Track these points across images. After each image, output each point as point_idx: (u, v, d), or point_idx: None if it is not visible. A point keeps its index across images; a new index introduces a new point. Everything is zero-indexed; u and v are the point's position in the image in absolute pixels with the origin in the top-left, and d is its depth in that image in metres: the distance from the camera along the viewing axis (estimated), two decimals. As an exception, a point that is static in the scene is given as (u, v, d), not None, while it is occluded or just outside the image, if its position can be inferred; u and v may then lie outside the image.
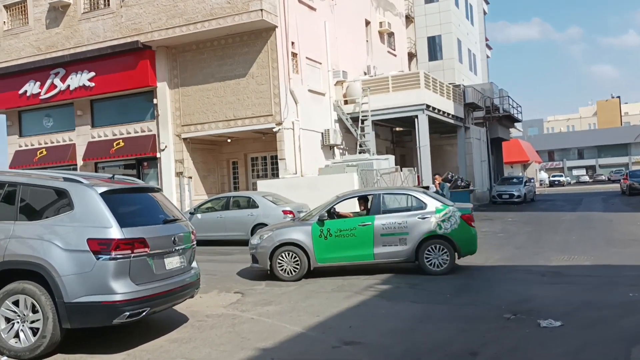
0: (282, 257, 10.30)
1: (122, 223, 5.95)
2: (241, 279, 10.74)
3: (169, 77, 22.24)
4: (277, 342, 6.35)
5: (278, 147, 20.74)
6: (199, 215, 16.63)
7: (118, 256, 5.82)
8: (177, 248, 6.58)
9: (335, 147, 24.03)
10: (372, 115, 23.95)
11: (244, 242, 16.03)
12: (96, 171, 24.01)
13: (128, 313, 5.83)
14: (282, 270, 10.26)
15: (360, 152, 23.45)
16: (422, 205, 10.32)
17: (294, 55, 21.71)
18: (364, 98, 24.03)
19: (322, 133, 23.13)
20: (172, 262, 6.54)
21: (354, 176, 17.62)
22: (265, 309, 8.08)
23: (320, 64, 23.74)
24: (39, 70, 23.67)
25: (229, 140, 23.70)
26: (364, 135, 23.99)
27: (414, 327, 6.81)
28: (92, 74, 22.72)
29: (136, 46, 21.51)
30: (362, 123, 24.01)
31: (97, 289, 5.76)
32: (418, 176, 23.22)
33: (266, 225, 15.36)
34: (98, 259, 5.76)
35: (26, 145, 25.25)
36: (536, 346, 5.84)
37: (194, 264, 7.21)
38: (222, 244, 16.54)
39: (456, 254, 10.17)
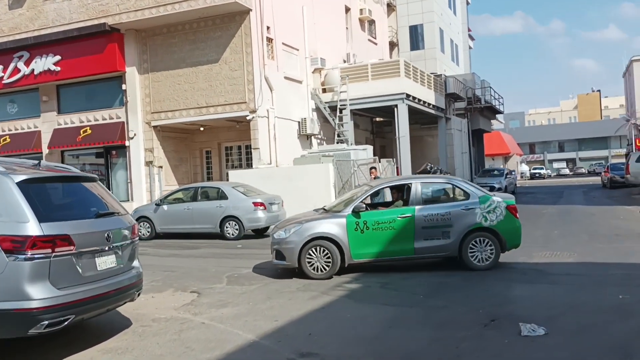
0: (312, 253, 9.20)
1: (42, 217, 5.12)
2: (203, 276, 9.93)
3: (139, 62, 21.23)
4: (224, 353, 5.57)
5: (252, 136, 19.89)
6: (165, 207, 15.76)
7: (35, 256, 4.99)
8: (112, 246, 5.77)
9: (312, 137, 23.24)
10: (350, 105, 23.18)
11: (212, 235, 15.27)
12: (62, 160, 22.99)
13: (46, 322, 5.00)
14: (311, 267, 9.17)
15: (338, 142, 22.67)
16: (465, 195, 9.49)
17: (270, 40, 20.82)
18: (342, 86, 23.24)
19: (299, 122, 22.30)
20: (106, 262, 5.73)
21: (329, 167, 16.87)
22: (220, 311, 7.30)
23: (298, 50, 22.87)
24: (2, 53, 22.48)
25: (201, 129, 22.78)
26: (342, 125, 23.21)
27: (381, 334, 6.08)
28: (58, 57, 21.62)
29: (104, 29, 20.44)
30: (341, 112, 23.22)
31: (9, 294, 4.93)
32: (397, 167, 22.54)
33: (235, 217, 14.61)
34: (10, 259, 4.93)
35: (-12, 133, 24.05)
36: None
37: (136, 263, 6.40)
38: (190, 237, 15.71)
39: (501, 247, 9.37)
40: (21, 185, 5.20)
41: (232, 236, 14.86)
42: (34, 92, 23.12)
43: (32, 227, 5.01)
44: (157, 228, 15.73)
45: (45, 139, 22.73)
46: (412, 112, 24.57)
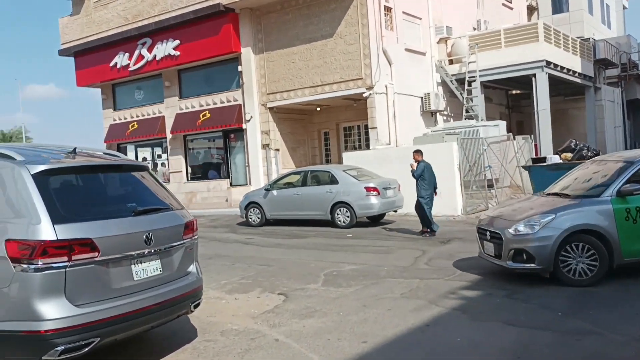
0: (569, 252, 6.96)
1: (59, 217, 4.14)
2: (299, 273, 8.78)
3: (253, 42, 20.61)
4: (283, 393, 4.30)
5: (369, 115, 18.47)
6: (274, 192, 14.90)
7: (47, 265, 4.02)
8: (154, 249, 4.71)
9: (437, 114, 21.31)
10: (481, 76, 20.86)
11: (323, 223, 14.17)
12: (185, 145, 23.21)
13: (62, 347, 4.03)
14: (569, 270, 6.92)
15: (466, 119, 20.52)
16: None
17: (388, 9, 19.15)
18: (471, 56, 20.96)
19: (421, 98, 20.49)
20: (146, 270, 4.68)
21: (453, 146, 14.96)
22: (302, 323, 6.05)
23: (420, 19, 20.95)
24: (127, 41, 23.07)
25: (318, 109, 21.75)
26: (471, 99, 21.00)
27: (500, 374, 4.45)
28: (177, 42, 21.67)
29: (218, 9, 20.05)
30: (469, 85, 21.01)
31: (16, 313, 4.02)
32: (535, 145, 19.90)
33: (346, 203, 13.33)
34: (18, 269, 4.01)
35: (119, 119, 24.98)
36: None
37: (192, 268, 5.31)
38: (300, 223, 14.72)
39: None
40: (38, 177, 4.27)
41: (343, 224, 13.63)
42: (158, 78, 23.48)
43: (45, 230, 4.05)
44: (267, 214, 14.94)
45: (169, 124, 23.03)
46: (554, 82, 21.63)
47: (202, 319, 6.40)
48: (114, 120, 25.17)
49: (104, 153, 5.40)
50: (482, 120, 20.13)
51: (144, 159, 26.39)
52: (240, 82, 21.03)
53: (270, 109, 20.57)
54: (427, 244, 10.82)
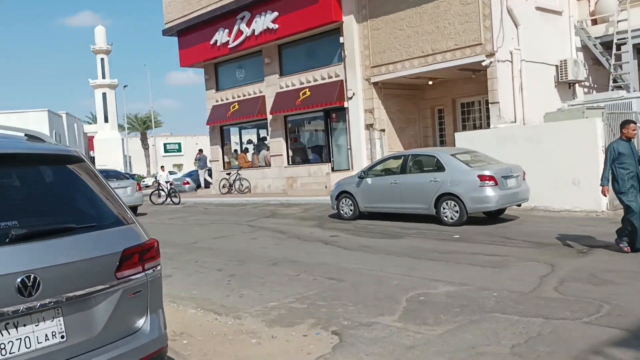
0: None
1: None
2: (373, 294, 6.50)
3: (356, 8, 18.31)
4: None
5: (489, 87, 15.51)
6: (368, 180, 12.61)
7: None
8: (40, 303, 2.67)
9: (576, 85, 17.71)
10: (633, 37, 16.92)
11: (426, 218, 11.71)
12: (285, 126, 21.58)
13: None
14: None
15: (614, 89, 16.76)
16: None
17: (514, -41, 15.92)
18: (621, 13, 17.08)
19: (556, 66, 17.05)
20: (28, 338, 2.66)
21: (597, 123, 11.73)
22: (343, 401, 3.81)
23: (555, -30, 17.41)
24: (227, 16, 21.82)
25: (430, 83, 19.02)
26: (620, 67, 17.16)
27: None
28: (275, 14, 19.97)
29: (317, -26, 17.99)
30: (618, 49, 17.16)
31: None
32: None
33: (454, 195, 10.78)
34: None
35: (222, 100, 23.93)
36: None
37: (143, 322, 3.20)
38: (399, 217, 12.34)
39: None
40: None
41: (450, 220, 11.06)
42: (258, 55, 22.05)
43: None
44: (361, 206, 12.71)
45: (269, 104, 21.50)
46: None
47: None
48: (217, 101, 24.19)
49: (25, 135, 3.44)
50: (635, 90, 16.28)
51: (249, 141, 25.28)
52: (342, 55, 18.88)
53: (375, 84, 18.21)
54: (559, 255, 8.02)
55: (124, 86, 67.90)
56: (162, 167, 31.06)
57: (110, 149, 70.35)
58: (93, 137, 74.34)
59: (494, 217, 11.74)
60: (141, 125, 72.72)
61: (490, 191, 10.73)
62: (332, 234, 11.13)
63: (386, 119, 18.67)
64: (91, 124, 77.83)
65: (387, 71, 17.71)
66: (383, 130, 18.51)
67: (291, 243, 10.46)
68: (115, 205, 3.24)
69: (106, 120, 72.62)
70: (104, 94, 72.36)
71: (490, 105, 15.59)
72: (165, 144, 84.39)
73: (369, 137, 18.52)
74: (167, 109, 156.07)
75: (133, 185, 17.98)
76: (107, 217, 3.15)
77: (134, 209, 18.11)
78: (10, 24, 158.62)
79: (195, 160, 25.36)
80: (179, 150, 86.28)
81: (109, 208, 3.20)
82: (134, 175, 62.40)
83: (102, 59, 71.64)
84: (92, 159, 74.25)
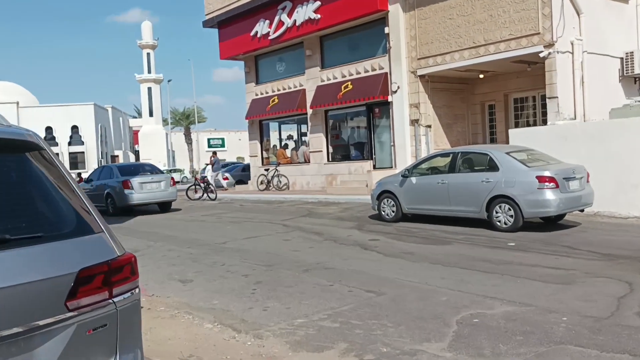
0: None
1: None
2: (418, 312, 5.56)
3: (403, -3, 17.28)
4: None
5: (547, 81, 14.26)
6: (413, 179, 11.61)
7: None
8: None
9: (643, 80, 16.26)
10: None
11: (476, 222, 10.68)
12: (326, 121, 20.72)
13: None
14: None
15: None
16: None
17: (578, -59, 14.59)
18: (696, 0, 15.52)
19: (621, 59, 15.65)
20: None
21: (672, 120, 10.45)
22: None
23: (622, -46, 15.97)
24: (268, 7, 21.10)
25: (481, 76, 17.81)
26: (694, 59, 15.60)
27: None
28: (317, 3, 19.13)
29: (362, -40, 17.05)
30: (692, 40, 15.62)
31: None
32: None
33: (509, 198, 9.73)
34: None
35: (261, 94, 23.25)
36: None
37: None
38: (445, 221, 11.31)
39: None
40: None
41: (503, 226, 9.97)
42: (299, 47, 21.25)
43: None
44: (404, 207, 11.73)
45: (309, 98, 20.68)
46: None
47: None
48: (256, 95, 23.52)
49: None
50: None
51: (289, 137, 24.56)
52: (387, 46, 17.88)
53: (421, 77, 17.14)
54: (635, 270, 6.90)
55: (168, 80, 68.40)
56: (211, 158, 30.43)
57: (154, 143, 71.02)
58: (138, 130, 75.32)
59: (553, 222, 10.59)
60: (185, 120, 73.23)
61: (550, 194, 9.60)
62: (372, 238, 10.20)
63: (432, 115, 17.59)
64: (136, 118, 78.92)
65: (435, 63, 16.62)
66: (429, 127, 17.43)
67: (326, 246, 9.59)
68: (78, 208, 2.43)
69: (151, 114, 73.43)
70: (149, 89, 73.14)
71: (547, 100, 14.34)
72: (209, 139, 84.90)
73: (413, 133, 17.47)
74: (212, 105, 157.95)
75: (167, 180, 17.45)
76: (63, 224, 2.34)
77: (167, 204, 17.63)
78: (63, 22, 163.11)
79: (210, 163, 24.65)
80: (222, 145, 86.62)
81: (67, 212, 2.39)
82: (180, 169, 62.77)
83: (148, 54, 72.42)
84: (137, 153, 75.21)
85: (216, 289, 6.93)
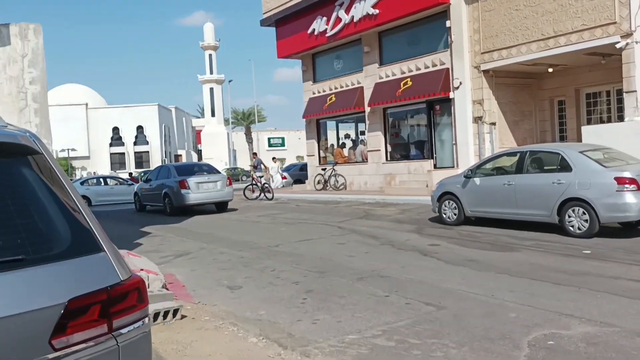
0: None
1: None
2: (483, 333, 4.99)
3: (466, -12, 16.49)
4: None
5: (624, 73, 13.19)
6: (476, 180, 10.91)
7: None
8: None
9: None
10: None
11: (545, 227, 9.90)
12: (384, 120, 20.15)
13: None
14: None
15: None
16: None
17: None
18: None
19: None
20: None
21: None
22: None
23: None
24: (324, 4, 20.75)
25: (550, 70, 16.77)
26: None
27: None
28: (376, -2, 18.54)
29: (422, -49, 16.37)
30: None
31: None
32: None
33: (583, 201, 8.93)
34: None
35: (318, 92, 22.90)
36: None
37: None
38: (511, 225, 10.56)
39: None
40: None
41: (577, 231, 9.15)
42: (357, 44, 20.77)
43: None
44: (466, 210, 11.04)
45: (367, 96, 20.15)
46: None
47: None
48: (313, 93, 23.19)
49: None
50: None
51: (346, 136, 24.13)
52: (449, 40, 17.12)
53: (485, 72, 16.31)
54: None
55: (229, 81, 69.26)
56: (273, 158, 30.78)
57: (216, 142, 72.10)
58: (201, 130, 76.77)
59: (634, 228, 9.67)
60: (245, 120, 74.04)
61: (630, 197, 8.71)
62: (432, 243, 9.60)
63: (497, 111, 16.71)
64: (199, 118, 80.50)
65: (500, 57, 15.75)
66: (493, 124, 16.57)
67: (383, 252, 9.06)
68: (75, 223, 2.05)
69: (213, 114, 74.62)
70: (211, 89, 74.31)
71: (624, 94, 13.27)
72: (269, 139, 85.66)
73: (477, 131, 16.65)
74: (273, 105, 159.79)
75: (223, 180, 17.34)
76: (54, 242, 1.97)
77: (224, 204, 17.52)
78: (131, 26, 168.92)
79: (253, 165, 24.42)
80: (283, 144, 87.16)
81: (61, 228, 2.01)
82: (240, 168, 63.45)
83: (210, 55, 73.58)
84: (199, 152, 76.70)
85: (265, 297, 6.56)
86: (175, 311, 5.65)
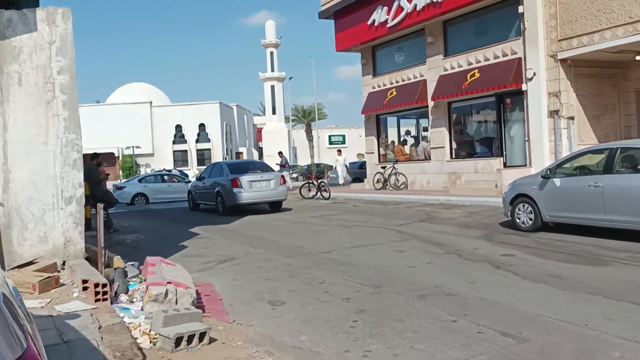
0: None
1: None
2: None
3: (541, -31, 15.02)
4: None
5: None
6: (556, 181, 9.60)
7: None
8: None
9: None
10: None
11: (637, 235, 8.51)
12: (449, 114, 18.89)
13: None
14: None
15: None
16: None
17: None
18: None
19: None
20: None
21: None
22: None
23: None
24: (386, -7, 19.61)
25: (638, 58, 15.05)
26: None
27: None
28: (441, -15, 17.30)
29: None
30: None
31: None
32: None
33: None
34: None
35: (378, 86, 21.85)
36: None
37: None
38: (599, 233, 9.20)
39: None
40: None
41: (681, 243, 7.76)
42: (420, 35, 19.58)
43: None
44: (544, 215, 9.75)
45: (430, 89, 18.94)
46: None
47: None
48: (373, 87, 22.15)
49: None
50: None
51: (407, 132, 22.97)
52: (521, 27, 15.71)
53: (563, 61, 14.81)
54: None
55: (290, 78, 68.96)
56: (339, 150, 29.13)
57: (277, 140, 71.98)
58: (262, 128, 76.94)
59: None
60: (306, 117, 73.53)
61: None
62: (505, 252, 8.41)
63: (576, 105, 15.16)
64: (260, 115, 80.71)
65: (580, 44, 14.22)
66: (572, 119, 15.04)
67: (448, 262, 7.97)
68: None
69: (274, 112, 74.51)
70: (272, 87, 74.21)
71: None
72: (329, 136, 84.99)
73: (552, 126, 15.15)
74: (334, 102, 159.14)
75: (277, 179, 16.58)
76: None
77: (277, 203, 16.79)
78: (195, 27, 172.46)
79: (281, 164, 23.57)
80: (343, 142, 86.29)
81: None
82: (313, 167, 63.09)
83: (271, 53, 73.47)
84: (260, 150, 76.90)
85: (309, 317, 5.64)
86: (202, 335, 4.81)
